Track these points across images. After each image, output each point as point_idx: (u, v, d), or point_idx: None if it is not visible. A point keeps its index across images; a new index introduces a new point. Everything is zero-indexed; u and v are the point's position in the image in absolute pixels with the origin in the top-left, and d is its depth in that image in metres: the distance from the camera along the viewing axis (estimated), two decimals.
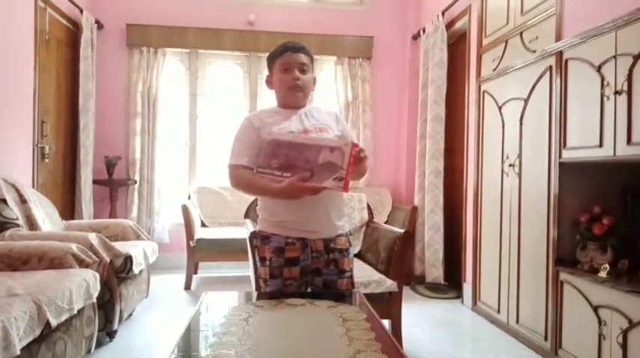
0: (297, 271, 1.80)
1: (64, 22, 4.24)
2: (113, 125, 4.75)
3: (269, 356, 1.21)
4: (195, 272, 4.39)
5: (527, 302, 2.98)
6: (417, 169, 4.49)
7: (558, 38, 2.71)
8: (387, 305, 2.55)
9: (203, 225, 4.56)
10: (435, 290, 4.14)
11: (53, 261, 2.36)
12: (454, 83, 4.26)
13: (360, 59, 4.99)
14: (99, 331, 2.67)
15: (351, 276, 1.87)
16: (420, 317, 3.46)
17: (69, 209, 4.30)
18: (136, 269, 2.93)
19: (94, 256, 2.54)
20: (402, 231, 2.63)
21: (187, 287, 4.14)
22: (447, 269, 4.23)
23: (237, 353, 1.19)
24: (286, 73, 1.82)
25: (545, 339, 2.74)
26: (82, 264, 2.43)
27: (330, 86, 4.94)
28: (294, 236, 1.80)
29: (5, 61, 3.28)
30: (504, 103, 3.30)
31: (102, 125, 4.65)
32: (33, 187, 3.59)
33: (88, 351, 2.42)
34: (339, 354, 1.21)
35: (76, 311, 2.11)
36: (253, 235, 1.91)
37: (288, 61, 1.81)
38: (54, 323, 1.89)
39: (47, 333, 1.91)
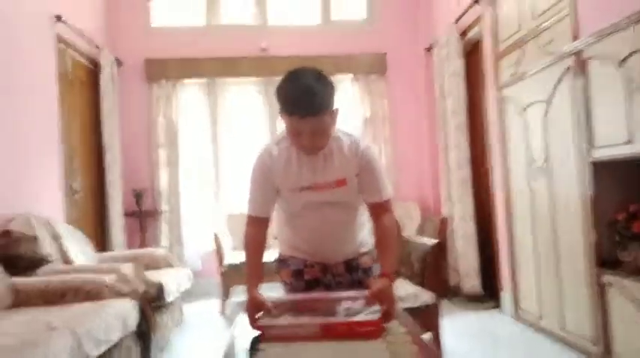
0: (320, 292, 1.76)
1: (84, 61, 4.36)
2: (138, 158, 4.84)
3: None
4: (227, 297, 4.39)
5: (571, 307, 2.87)
6: (442, 180, 4.43)
7: (575, 38, 2.68)
8: (426, 318, 2.48)
9: (235, 248, 4.56)
10: (473, 300, 4.04)
11: (89, 294, 2.38)
12: (471, 92, 4.22)
13: (375, 75, 5.00)
14: None
15: None
16: (460, 330, 3.37)
17: (101, 241, 4.36)
18: (168, 298, 2.94)
19: (128, 287, 2.56)
20: (434, 241, 2.59)
21: (222, 312, 4.13)
22: (483, 279, 4.12)
23: None
24: (295, 136, 1.58)
25: (595, 344, 2.63)
26: (118, 294, 2.44)
27: (348, 104, 4.95)
28: (312, 260, 1.78)
29: (31, 103, 3.38)
30: (526, 107, 3.25)
31: (128, 158, 4.73)
32: (65, 222, 3.65)
33: None
34: None
35: (114, 342, 2.11)
36: (277, 259, 1.89)
37: (296, 127, 1.55)
38: (93, 355, 1.90)
39: None
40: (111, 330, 2.10)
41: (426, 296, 2.55)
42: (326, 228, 1.73)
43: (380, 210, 1.71)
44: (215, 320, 3.94)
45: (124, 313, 2.29)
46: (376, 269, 1.84)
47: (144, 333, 2.72)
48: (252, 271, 1.63)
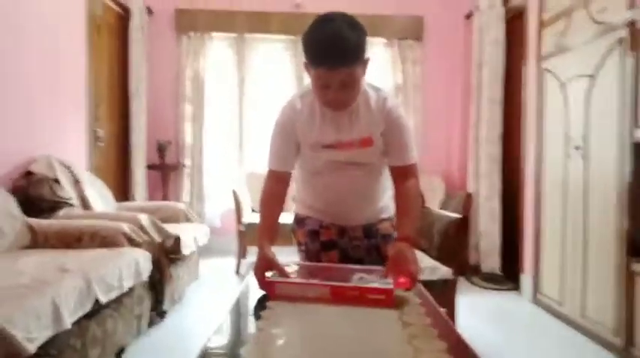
0: (335, 256, 1.69)
1: (114, 6, 4.29)
2: (164, 110, 4.81)
3: (316, 338, 1.13)
4: (244, 257, 4.40)
5: (594, 295, 2.77)
6: (471, 155, 4.28)
7: (631, 6, 2.47)
8: (441, 293, 2.41)
9: (254, 210, 4.55)
10: (491, 280, 3.95)
11: (105, 240, 2.38)
12: (511, 63, 4.02)
13: (410, 40, 4.81)
14: (151, 311, 2.70)
15: None
16: (476, 309, 3.30)
17: (123, 192, 4.39)
18: (185, 251, 2.94)
19: (144, 236, 2.55)
20: (458, 215, 2.49)
21: (237, 271, 4.15)
22: (504, 260, 4.03)
23: (281, 335, 1.11)
24: (322, 89, 1.45)
25: (616, 335, 2.53)
26: (133, 243, 2.44)
27: (379, 70, 4.79)
28: (329, 221, 1.71)
29: (58, 46, 3.35)
30: (568, 81, 3.06)
31: (153, 109, 4.71)
32: (88, 170, 3.67)
33: (139, 330, 2.44)
34: (392, 339, 1.11)
35: (126, 290, 2.11)
36: (293, 219, 1.82)
37: (323, 79, 1.41)
38: (103, 299, 1.90)
39: (97, 310, 1.92)
40: (123, 278, 2.10)
41: (443, 271, 2.48)
42: (346, 189, 1.65)
43: (404, 175, 1.61)
44: (230, 279, 3.96)
45: (137, 262, 2.28)
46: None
47: (157, 284, 2.73)
48: (266, 227, 1.56)
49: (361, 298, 1.31)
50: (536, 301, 3.42)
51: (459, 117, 4.70)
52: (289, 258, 1.77)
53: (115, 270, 2.05)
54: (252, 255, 4.60)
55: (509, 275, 3.95)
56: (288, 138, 1.60)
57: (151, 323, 2.79)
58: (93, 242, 2.37)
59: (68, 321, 1.60)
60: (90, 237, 2.38)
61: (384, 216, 1.74)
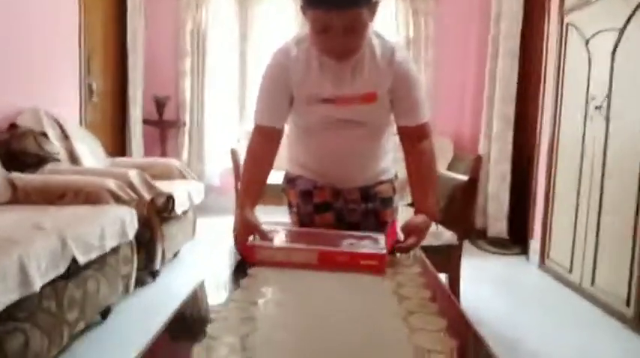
0: (330, 217, 1.54)
1: None
2: (162, 64, 4.60)
3: (302, 312, 0.99)
4: None
5: (606, 263, 2.62)
6: (483, 115, 4.07)
7: None
8: (445, 259, 2.29)
9: None
10: (497, 245, 3.82)
11: (89, 197, 2.25)
12: (531, 17, 3.75)
13: None
14: (140, 270, 2.60)
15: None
16: (481, 274, 3.18)
17: (119, 149, 4.25)
18: (178, 210, 2.81)
19: (132, 193, 2.42)
20: (466, 177, 2.32)
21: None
22: (511, 224, 3.88)
23: (258, 307, 0.98)
24: (320, 34, 1.25)
25: (628, 305, 2.40)
26: (119, 200, 2.31)
27: (389, 22, 4.51)
28: (323, 182, 1.55)
29: None
30: (592, 36, 2.82)
31: (151, 64, 4.50)
32: (81, 125, 3.52)
33: (127, 290, 2.34)
34: (387, 315, 0.97)
35: (108, 249, 1.99)
36: (284, 177, 1.66)
37: (322, 21, 1.22)
38: (82, 260, 1.78)
39: (75, 271, 1.80)
40: (106, 237, 1.97)
41: (448, 236, 2.33)
42: (344, 149, 1.48)
43: (416, 136, 1.43)
44: (228, 238, 3.84)
45: (123, 221, 2.16)
46: (396, 200, 1.61)
47: (148, 243, 2.62)
48: (249, 187, 1.40)
49: (351, 263, 1.17)
50: (543, 267, 3.29)
51: (473, 75, 4.45)
52: (281, 220, 1.64)
53: (96, 229, 1.93)
54: (262, 213, 4.51)
55: (516, 240, 3.81)
56: (280, 89, 1.41)
57: (142, 283, 2.71)
58: (76, 199, 2.24)
59: (38, 284, 1.48)
60: (73, 194, 2.25)
61: (384, 177, 1.57)
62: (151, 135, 4.53)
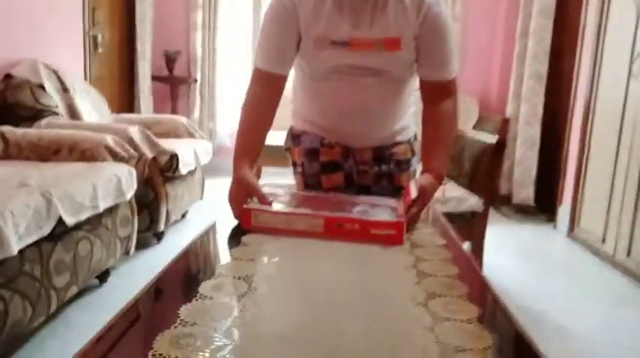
0: (339, 179, 1.36)
1: None
2: (173, 17, 4.36)
3: (301, 293, 0.82)
4: (258, 177, 4.21)
5: None
6: (513, 73, 3.77)
7: None
8: (468, 227, 2.10)
9: None
10: (523, 212, 3.60)
11: (85, 153, 2.09)
12: None
13: None
14: (143, 232, 2.48)
15: None
16: (505, 243, 2.98)
17: (127, 106, 4.08)
18: (183, 169, 2.65)
19: (132, 151, 2.25)
20: (495, 138, 2.10)
21: None
22: (538, 190, 3.64)
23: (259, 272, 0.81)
24: None
25: None
26: (117, 158, 2.15)
27: None
28: (331, 139, 1.35)
29: None
30: None
31: (160, 16, 4.27)
32: (85, 79, 3.34)
33: (126, 253, 2.21)
34: (403, 297, 0.79)
35: (101, 210, 1.84)
36: (287, 134, 1.46)
37: None
38: (70, 221, 1.63)
39: (64, 232, 1.66)
40: (99, 196, 1.82)
41: (472, 202, 2.13)
42: (357, 102, 1.27)
43: (439, 93, 1.24)
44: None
45: (119, 179, 2.00)
46: (414, 163, 1.41)
47: (151, 204, 2.48)
48: (246, 142, 1.21)
49: (363, 232, 0.99)
50: (572, 236, 3.08)
51: (503, 29, 4.12)
52: (284, 181, 1.46)
53: (88, 188, 1.77)
54: (268, 176, 4.38)
55: (542, 208, 3.59)
56: (286, 28, 1.21)
57: (146, 245, 2.59)
58: (71, 155, 2.08)
59: (14, 246, 1.33)
60: (68, 150, 2.09)
61: (401, 138, 1.37)
62: (161, 93, 4.34)
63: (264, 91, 1.24)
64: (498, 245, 2.82)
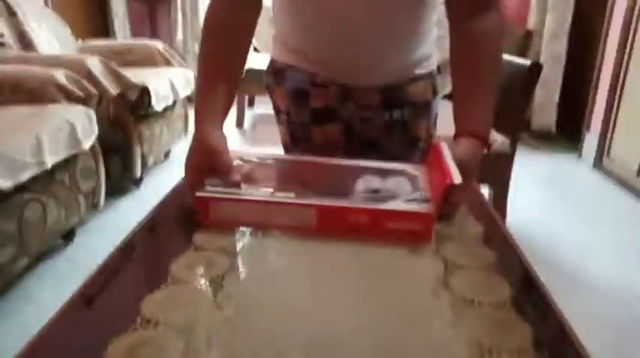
0: (335, 132, 1.00)
1: None
2: None
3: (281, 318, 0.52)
4: (251, 105, 4.02)
5: None
6: None
7: None
8: (491, 170, 1.78)
9: (257, 49, 3.78)
10: (542, 139, 3.28)
11: (31, 93, 1.74)
12: None
13: None
14: (119, 179, 2.20)
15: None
16: (525, 176, 2.64)
17: (99, 31, 3.61)
18: (157, 105, 2.30)
19: (91, 88, 1.89)
20: (528, 62, 1.72)
21: (239, 124, 3.60)
22: (560, 115, 3.28)
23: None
24: None
25: None
26: (72, 97, 1.80)
27: None
28: (325, 75, 1.00)
29: None
30: None
31: None
32: (46, 2, 2.89)
33: (94, 206, 1.93)
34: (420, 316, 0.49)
35: (49, 166, 1.52)
36: (268, 68, 1.09)
37: None
38: (5, 185, 1.32)
39: (3, 197, 1.36)
40: (46, 150, 1.50)
41: (498, 142, 1.80)
42: (358, 22, 0.90)
43: (474, 6, 0.84)
44: (230, 133, 3.37)
45: (73, 126, 1.66)
46: (436, 106, 1.06)
47: (122, 147, 2.16)
48: (211, 83, 0.85)
49: (373, 227, 0.68)
50: (600, 167, 2.77)
51: None
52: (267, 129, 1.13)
53: (28, 141, 1.44)
54: (262, 106, 3.98)
55: (565, 135, 3.25)
56: None
57: (123, 193, 2.31)
58: (15, 96, 1.73)
59: None
60: (11, 89, 1.73)
61: (422, 71, 1.01)
62: (139, 13, 3.86)
63: (236, 8, 0.87)
64: (519, 177, 2.51)
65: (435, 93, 1.04)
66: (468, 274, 0.61)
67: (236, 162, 0.78)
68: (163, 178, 2.54)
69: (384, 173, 0.79)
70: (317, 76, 0.99)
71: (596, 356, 0.46)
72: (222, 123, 0.83)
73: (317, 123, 1.02)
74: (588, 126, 2.94)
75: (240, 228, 0.70)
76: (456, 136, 0.81)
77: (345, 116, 1.02)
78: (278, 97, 1.06)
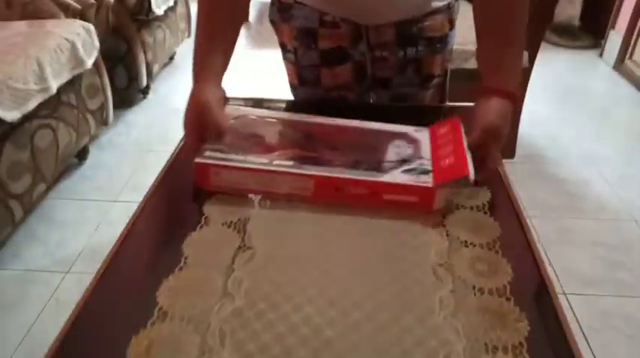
0: (346, 73, 0.97)
1: None
2: None
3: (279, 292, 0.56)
4: None
5: None
6: None
7: None
8: None
9: None
10: (564, 33, 3.10)
11: (27, 9, 1.65)
12: None
13: None
14: (125, 90, 2.17)
15: (444, 85, 1.03)
16: (542, 76, 2.52)
17: None
18: (158, 9, 2.18)
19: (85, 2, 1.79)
20: None
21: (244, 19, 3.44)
22: (584, 9, 3.08)
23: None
24: None
25: None
26: (69, 10, 1.71)
27: None
28: (335, 13, 0.92)
29: None
30: None
31: None
32: None
33: (104, 123, 1.93)
34: (419, 303, 0.53)
35: (54, 90, 1.50)
36: (272, 3, 1.01)
37: None
38: (10, 117, 1.31)
39: (12, 128, 1.36)
40: (49, 74, 1.46)
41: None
42: None
43: None
44: None
45: (74, 44, 1.60)
46: (451, 40, 1.01)
47: (126, 57, 2.10)
48: (210, 40, 0.81)
49: (371, 198, 0.69)
50: (620, 69, 2.67)
51: None
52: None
53: (30, 67, 1.40)
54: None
55: (589, 30, 3.07)
56: None
57: (131, 103, 2.30)
58: (10, 11, 1.64)
59: None
60: (5, 4, 1.65)
61: (439, 2, 0.94)
62: None
63: None
64: (535, 78, 2.43)
65: (451, 26, 0.98)
66: (470, 253, 0.63)
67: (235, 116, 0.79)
68: (171, 85, 2.51)
69: (389, 135, 0.78)
70: (326, 14, 0.93)
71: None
72: (219, 80, 0.81)
73: (326, 65, 0.98)
74: (614, 24, 2.77)
75: (249, 196, 0.72)
76: (484, 94, 0.76)
77: (356, 57, 0.98)
78: (284, 35, 1.01)
